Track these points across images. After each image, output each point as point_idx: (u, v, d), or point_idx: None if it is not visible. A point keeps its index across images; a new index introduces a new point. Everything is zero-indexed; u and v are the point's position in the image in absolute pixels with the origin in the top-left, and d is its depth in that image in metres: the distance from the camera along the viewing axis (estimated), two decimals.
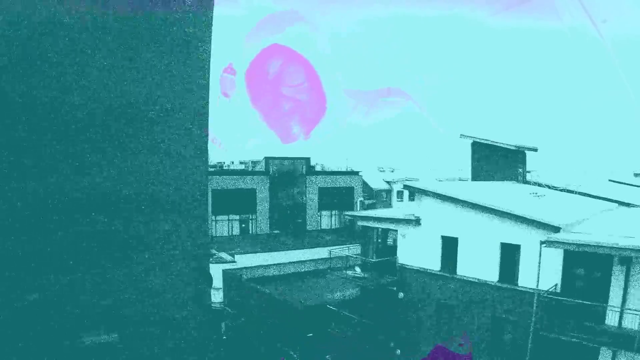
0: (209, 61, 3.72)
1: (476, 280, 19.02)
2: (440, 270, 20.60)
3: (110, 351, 2.06)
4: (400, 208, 36.26)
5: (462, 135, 27.94)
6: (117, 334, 2.19)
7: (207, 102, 3.72)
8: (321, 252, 34.95)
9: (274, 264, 35.32)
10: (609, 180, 33.44)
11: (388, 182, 54.68)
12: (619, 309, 15.04)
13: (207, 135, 3.67)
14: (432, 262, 20.84)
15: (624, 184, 32.52)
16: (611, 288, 15.32)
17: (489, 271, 18.58)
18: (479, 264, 18.93)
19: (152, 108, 2.99)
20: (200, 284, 3.16)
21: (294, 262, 36.04)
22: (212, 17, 3.71)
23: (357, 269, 24.22)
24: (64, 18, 2.12)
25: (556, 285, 16.38)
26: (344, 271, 24.70)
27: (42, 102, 2.05)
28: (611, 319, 15.24)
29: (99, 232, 2.19)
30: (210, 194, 25.93)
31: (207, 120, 3.76)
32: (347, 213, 35.96)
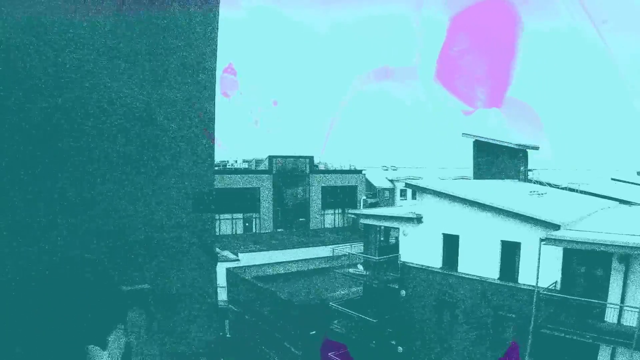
0: (215, 62, 3.93)
1: (477, 278, 19.20)
2: (441, 268, 20.80)
3: (142, 295, 2.47)
4: (403, 206, 36.46)
5: (464, 134, 28.10)
6: (148, 284, 2.59)
7: (214, 103, 3.95)
8: (324, 251, 35.22)
9: (277, 263, 35.54)
10: (612, 178, 33.51)
11: (391, 181, 54.76)
12: (618, 306, 15.20)
13: (213, 137, 3.90)
14: (434, 259, 21.04)
15: (627, 182, 32.59)
16: (610, 285, 15.47)
17: (489, 268, 18.77)
18: (479, 262, 19.11)
19: (164, 111, 3.22)
20: (204, 258, 3.44)
21: (297, 261, 36.25)
22: (217, 19, 3.92)
23: (360, 267, 24.44)
24: (74, 19, 2.31)
25: (556, 282, 16.55)
26: (347, 269, 24.93)
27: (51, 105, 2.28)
28: (610, 316, 15.41)
29: (132, 222, 2.53)
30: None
31: (214, 122, 3.98)
32: (350, 211, 36.25)
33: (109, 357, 2.00)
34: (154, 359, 2.53)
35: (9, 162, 2.19)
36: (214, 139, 4.17)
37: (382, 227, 24.33)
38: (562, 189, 25.43)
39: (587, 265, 16.24)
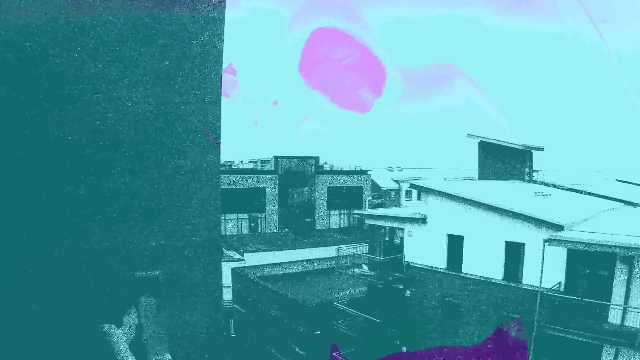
0: (221, 64, 4.07)
1: (481, 278, 19.27)
2: (446, 269, 20.87)
3: (154, 281, 2.68)
4: (408, 207, 36.48)
5: (469, 135, 28.13)
6: (159, 271, 2.81)
7: (220, 104, 4.10)
8: (329, 251, 35.29)
9: (283, 263, 35.67)
10: (617, 180, 33.41)
11: (397, 182, 54.71)
12: (621, 307, 15.23)
13: (218, 138, 4.05)
14: (438, 260, 21.11)
15: (632, 183, 32.48)
16: (614, 286, 15.51)
17: (493, 269, 18.83)
18: (484, 262, 19.17)
19: (170, 116, 3.37)
20: (210, 252, 3.62)
21: (302, 261, 36.38)
22: (224, 22, 4.06)
23: (365, 267, 24.54)
24: (86, 23, 2.43)
25: (560, 283, 16.60)
26: (352, 269, 25.03)
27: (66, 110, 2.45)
28: (614, 317, 15.45)
29: (147, 213, 2.76)
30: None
31: (220, 122, 4.13)
32: (355, 212, 36.32)
33: (122, 335, 2.21)
34: (162, 343, 2.72)
35: (31, 162, 2.35)
36: (214, 140, 4.31)
37: (387, 228, 24.42)
38: (567, 190, 25.41)
39: (591, 266, 16.29)
